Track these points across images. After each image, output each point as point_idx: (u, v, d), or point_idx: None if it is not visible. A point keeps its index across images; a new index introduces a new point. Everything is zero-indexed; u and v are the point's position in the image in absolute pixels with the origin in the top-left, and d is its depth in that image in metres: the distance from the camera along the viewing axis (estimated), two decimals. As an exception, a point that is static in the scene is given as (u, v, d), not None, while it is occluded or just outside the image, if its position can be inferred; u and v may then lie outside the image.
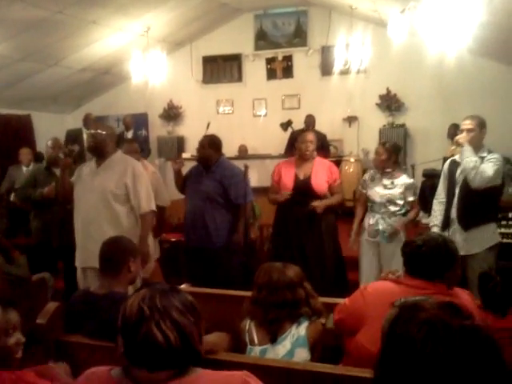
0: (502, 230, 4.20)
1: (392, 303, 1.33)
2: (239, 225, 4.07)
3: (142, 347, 1.25)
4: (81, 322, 2.32)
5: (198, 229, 4.05)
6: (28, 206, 4.61)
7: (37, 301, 3.56)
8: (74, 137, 7.28)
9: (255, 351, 2.26)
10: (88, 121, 7.53)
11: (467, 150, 3.27)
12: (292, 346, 2.23)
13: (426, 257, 2.16)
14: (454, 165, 3.49)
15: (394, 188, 3.98)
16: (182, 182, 4.25)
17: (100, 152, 3.42)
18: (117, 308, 2.17)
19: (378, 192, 4.02)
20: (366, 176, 4.20)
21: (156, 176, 4.51)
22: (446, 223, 3.50)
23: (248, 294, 2.76)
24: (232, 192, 4.03)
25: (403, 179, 4.02)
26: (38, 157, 7.01)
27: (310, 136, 4.23)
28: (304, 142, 4.15)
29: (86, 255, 3.37)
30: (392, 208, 3.97)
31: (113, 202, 3.35)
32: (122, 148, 4.00)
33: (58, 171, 4.20)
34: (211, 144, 4.11)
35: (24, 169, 6.42)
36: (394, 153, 4.09)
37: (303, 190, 4.08)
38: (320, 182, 4.11)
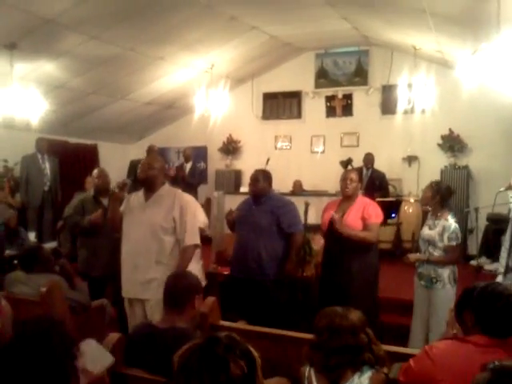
0: None
1: (484, 365, 1.24)
2: (292, 253, 4.07)
3: None
4: (141, 356, 2.33)
5: (249, 261, 4.05)
6: (76, 235, 4.71)
7: (95, 327, 3.64)
8: (136, 167, 7.51)
9: (315, 399, 2.18)
10: (151, 152, 7.77)
11: None
12: (354, 396, 2.13)
13: (506, 312, 2.03)
14: None
15: (435, 228, 3.86)
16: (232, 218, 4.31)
17: (151, 186, 3.50)
18: (180, 344, 2.19)
19: (423, 232, 3.95)
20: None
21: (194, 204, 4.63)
22: (508, 268, 3.41)
23: (306, 335, 2.71)
24: (284, 220, 4.07)
25: (444, 221, 3.84)
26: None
27: (352, 174, 4.19)
28: (344, 179, 4.12)
29: (132, 286, 3.44)
30: (432, 251, 3.83)
31: (161, 234, 3.41)
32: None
33: (104, 200, 4.38)
34: (265, 178, 4.20)
35: (89, 196, 6.66)
36: (438, 193, 3.93)
37: (336, 228, 3.98)
38: (353, 220, 4.01)
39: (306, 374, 2.26)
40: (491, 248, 6.11)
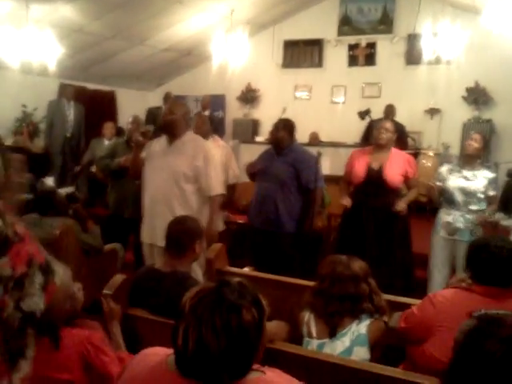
0: None
1: (469, 313, 1.25)
2: (311, 211, 4.03)
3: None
4: (144, 298, 2.39)
5: (268, 212, 4.03)
6: (106, 177, 4.80)
7: (107, 271, 3.73)
8: (154, 114, 7.50)
9: (312, 344, 2.22)
10: (168, 99, 7.72)
11: None
12: (351, 343, 2.16)
13: (506, 262, 2.03)
14: None
15: (476, 180, 3.78)
16: (253, 165, 4.24)
17: (172, 132, 3.45)
18: (180, 287, 2.23)
19: (458, 184, 3.83)
20: (443, 168, 4.02)
21: (227, 150, 4.63)
22: None
23: (309, 283, 2.74)
24: (303, 176, 4.00)
25: (486, 172, 3.82)
26: (119, 131, 7.30)
27: (388, 124, 4.13)
28: (379, 128, 4.04)
29: (153, 232, 3.45)
30: (472, 204, 3.77)
31: (183, 182, 3.39)
32: (192, 121, 4.09)
33: None
34: (286, 127, 4.10)
35: (106, 142, 6.70)
36: (485, 145, 3.95)
37: (375, 180, 3.94)
38: (394, 174, 3.94)
39: (306, 319, 2.30)
40: (509, 204, 6.00)
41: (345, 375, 1.91)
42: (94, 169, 5.91)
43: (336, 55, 8.71)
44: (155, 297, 2.35)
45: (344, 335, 2.20)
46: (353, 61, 8.63)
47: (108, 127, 6.89)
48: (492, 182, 3.79)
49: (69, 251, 3.39)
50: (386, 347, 2.31)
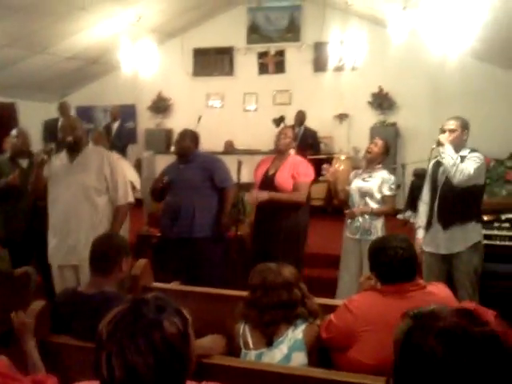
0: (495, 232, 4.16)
1: (404, 313, 1.27)
2: (226, 207, 4.05)
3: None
4: (68, 323, 2.23)
5: (182, 219, 3.97)
6: None
7: (21, 296, 3.45)
8: (52, 127, 7.04)
9: (250, 356, 2.18)
10: (64, 110, 7.28)
11: (448, 148, 3.27)
12: (289, 350, 2.15)
13: (408, 260, 2.16)
14: (437, 165, 3.49)
15: (372, 180, 3.96)
16: (159, 180, 4.20)
17: (75, 146, 3.39)
18: (108, 307, 2.10)
19: (356, 185, 4.01)
20: (352, 173, 4.21)
21: (122, 162, 4.60)
22: (428, 223, 3.51)
23: (239, 293, 2.70)
24: (217, 176, 4.04)
25: (382, 173, 4.01)
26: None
27: (287, 130, 4.27)
28: (279, 134, 4.14)
29: (65, 252, 3.32)
30: (371, 203, 3.94)
31: (94, 196, 3.33)
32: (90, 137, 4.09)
33: (23, 162, 4.18)
34: (192, 137, 4.15)
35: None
36: (387, 150, 4.12)
37: (268, 185, 3.98)
38: (284, 178, 3.97)
39: (241, 331, 2.25)
40: (416, 202, 6.37)
41: (286, 383, 1.89)
42: None
43: (246, 63, 8.80)
44: (79, 320, 2.19)
45: (281, 343, 2.18)
46: (263, 68, 8.78)
47: (8, 142, 6.40)
48: (386, 182, 3.94)
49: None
50: (320, 351, 2.32)
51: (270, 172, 4.04)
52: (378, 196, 3.93)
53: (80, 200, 3.31)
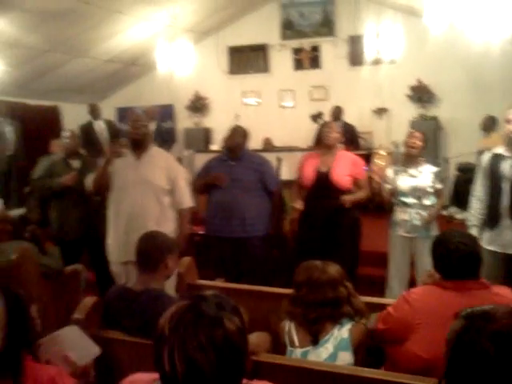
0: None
1: (456, 313, 1.25)
2: (276, 209, 4.10)
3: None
4: (117, 319, 2.29)
5: (234, 219, 3.97)
6: (44, 198, 4.54)
7: (70, 294, 3.57)
8: (88, 130, 7.20)
9: (296, 353, 2.19)
10: (94, 111, 7.39)
11: None
12: (335, 349, 2.14)
13: (470, 256, 2.09)
14: (497, 159, 3.25)
15: (421, 176, 3.86)
16: (203, 176, 4.17)
17: (143, 145, 3.39)
18: (154, 306, 2.15)
19: (407, 183, 3.88)
20: (389, 171, 4.03)
21: None
22: (493, 220, 3.27)
23: (282, 291, 2.71)
24: (268, 178, 4.06)
25: (429, 167, 3.92)
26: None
27: (333, 124, 4.20)
28: (326, 129, 4.04)
29: (129, 249, 3.33)
30: (424, 200, 3.85)
31: (160, 194, 3.34)
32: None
33: (74, 163, 4.28)
34: (243, 134, 4.12)
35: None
36: (425, 142, 4.01)
37: (324, 183, 3.94)
38: (341, 175, 3.94)
39: (286, 329, 2.26)
40: (461, 197, 6.23)
41: (334, 382, 1.89)
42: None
43: (281, 60, 8.78)
44: (129, 317, 2.25)
45: (327, 341, 2.17)
46: (298, 64, 8.73)
47: (56, 144, 6.59)
48: (437, 175, 3.88)
49: (28, 276, 3.21)
50: (365, 350, 2.31)
51: (323, 169, 3.96)
52: (431, 191, 3.86)
53: (147, 197, 3.32)
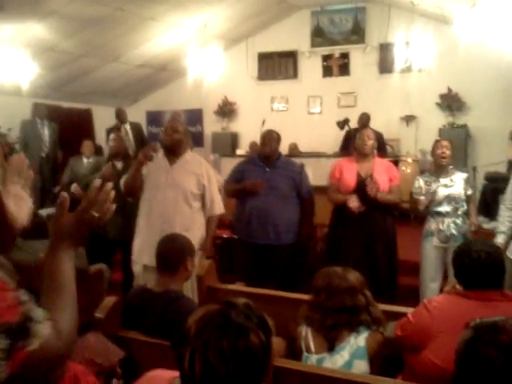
0: None
1: (467, 323, 1.25)
2: (309, 217, 4.07)
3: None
4: (137, 319, 2.33)
5: (269, 226, 3.95)
6: None
7: (94, 293, 3.63)
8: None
9: (311, 359, 2.19)
10: (121, 116, 7.48)
11: None
12: (350, 356, 2.14)
13: (492, 266, 2.06)
14: None
15: (455, 184, 3.82)
16: (235, 181, 4.17)
17: (175, 150, 3.42)
18: (173, 307, 2.19)
19: (442, 193, 3.82)
20: (420, 182, 3.93)
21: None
22: None
23: (301, 296, 2.71)
24: (304, 186, 4.05)
25: (459, 174, 3.89)
26: (98, 150, 7.19)
27: (369, 132, 4.15)
28: (363, 136, 4.02)
29: (151, 251, 3.34)
30: (460, 208, 3.82)
31: (192, 200, 3.37)
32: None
33: (118, 164, 4.36)
34: (278, 139, 4.11)
35: (85, 160, 6.56)
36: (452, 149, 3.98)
37: (365, 188, 3.89)
38: (383, 181, 3.93)
39: (303, 334, 2.27)
40: (489, 207, 6.10)
41: (348, 389, 1.89)
42: (73, 188, 5.77)
43: (310, 66, 8.80)
44: (148, 318, 2.30)
45: (343, 349, 2.17)
46: (327, 71, 8.73)
47: (87, 145, 6.75)
48: (467, 182, 3.87)
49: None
50: (382, 358, 2.29)
51: (363, 174, 3.96)
52: (464, 198, 3.83)
53: (178, 202, 3.34)
